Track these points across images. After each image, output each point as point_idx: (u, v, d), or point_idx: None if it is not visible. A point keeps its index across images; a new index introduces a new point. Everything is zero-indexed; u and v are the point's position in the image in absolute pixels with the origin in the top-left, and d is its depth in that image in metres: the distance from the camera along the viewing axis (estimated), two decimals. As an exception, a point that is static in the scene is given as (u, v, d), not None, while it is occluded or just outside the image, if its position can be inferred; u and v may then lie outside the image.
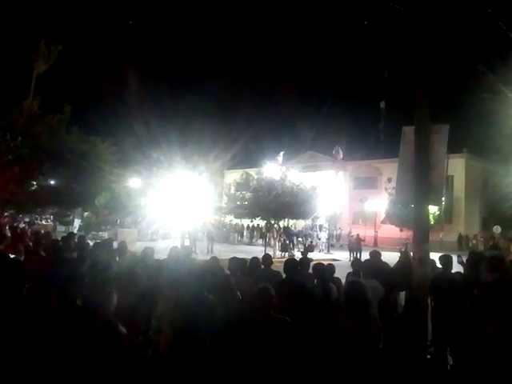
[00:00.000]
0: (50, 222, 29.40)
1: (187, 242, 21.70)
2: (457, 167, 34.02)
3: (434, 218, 27.32)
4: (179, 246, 10.04)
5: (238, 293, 4.07)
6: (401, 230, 30.36)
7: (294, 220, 30.35)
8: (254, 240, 35.10)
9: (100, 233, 28.16)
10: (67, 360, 2.64)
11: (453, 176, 33.73)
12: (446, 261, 6.52)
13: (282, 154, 33.50)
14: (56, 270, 5.29)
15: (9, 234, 10.59)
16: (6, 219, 22.20)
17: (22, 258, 6.77)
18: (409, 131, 6.00)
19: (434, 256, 7.10)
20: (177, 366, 2.08)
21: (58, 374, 2.62)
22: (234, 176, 34.14)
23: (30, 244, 7.98)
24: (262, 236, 30.95)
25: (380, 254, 6.94)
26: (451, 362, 5.77)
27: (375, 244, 32.65)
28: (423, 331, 5.94)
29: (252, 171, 28.16)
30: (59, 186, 19.02)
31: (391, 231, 33.24)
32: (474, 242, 32.90)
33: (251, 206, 24.15)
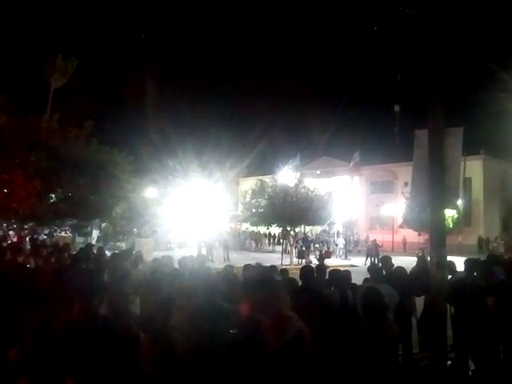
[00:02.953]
0: (69, 234, 29.81)
1: (204, 251, 21.78)
2: (474, 169, 33.52)
3: (452, 221, 26.86)
4: (195, 255, 10.09)
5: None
6: (419, 235, 29.99)
7: (311, 226, 30.22)
8: (270, 247, 35.04)
9: (118, 243, 28.45)
10: (89, 369, 2.68)
11: (470, 178, 33.17)
12: (469, 265, 6.25)
13: (296, 160, 33.48)
14: (76, 281, 5.37)
15: (29, 247, 10.81)
16: (26, 231, 22.65)
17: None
18: (422, 135, 5.96)
19: (456, 260, 6.97)
20: (192, 377, 2.10)
21: (81, 381, 2.67)
22: (249, 183, 34.23)
23: (45, 254, 8.13)
24: (279, 243, 30.88)
25: (390, 259, 6.80)
26: (473, 368, 5.69)
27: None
28: (442, 336, 5.86)
29: (267, 178, 28.20)
30: (77, 198, 19.27)
31: (409, 236, 32.89)
32: (495, 244, 32.27)
33: (267, 213, 24.17)
